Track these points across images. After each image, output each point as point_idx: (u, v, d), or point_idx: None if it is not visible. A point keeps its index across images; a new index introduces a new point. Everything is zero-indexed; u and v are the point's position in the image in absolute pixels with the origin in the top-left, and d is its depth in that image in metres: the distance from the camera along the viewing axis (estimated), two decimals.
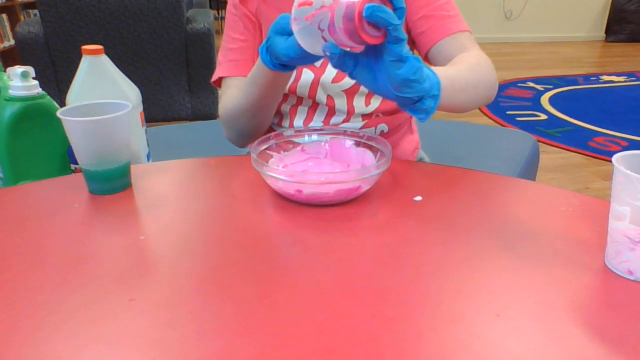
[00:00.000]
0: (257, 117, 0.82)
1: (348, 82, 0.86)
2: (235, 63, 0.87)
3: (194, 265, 0.51)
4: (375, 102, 0.87)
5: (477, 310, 0.44)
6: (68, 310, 0.44)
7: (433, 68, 0.61)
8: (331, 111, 0.88)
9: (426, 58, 0.86)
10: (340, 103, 0.87)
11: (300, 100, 0.88)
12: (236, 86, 0.84)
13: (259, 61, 0.70)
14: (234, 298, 0.45)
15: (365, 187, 0.63)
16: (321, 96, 0.86)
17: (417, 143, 1.02)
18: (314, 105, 0.88)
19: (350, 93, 0.87)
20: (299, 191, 0.61)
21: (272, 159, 0.70)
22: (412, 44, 0.87)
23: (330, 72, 0.86)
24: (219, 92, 0.90)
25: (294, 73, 0.85)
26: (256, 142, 0.69)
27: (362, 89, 0.87)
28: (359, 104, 0.87)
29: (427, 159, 1.05)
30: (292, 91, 0.86)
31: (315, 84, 0.86)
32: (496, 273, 0.50)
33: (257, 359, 0.38)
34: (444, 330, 0.42)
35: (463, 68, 0.74)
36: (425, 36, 0.84)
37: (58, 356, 0.39)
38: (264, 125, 0.86)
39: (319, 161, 0.70)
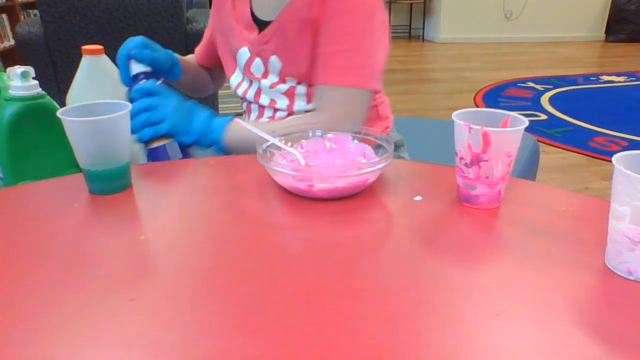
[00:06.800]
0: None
1: (283, 87, 0.92)
2: (200, 46, 1.21)
3: (194, 265, 0.51)
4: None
5: (477, 310, 0.44)
6: (68, 310, 0.44)
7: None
8: (275, 110, 0.95)
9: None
10: (282, 104, 0.93)
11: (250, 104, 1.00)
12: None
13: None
14: (234, 298, 0.45)
15: (371, 179, 0.65)
16: (264, 101, 0.96)
17: (386, 127, 1.03)
18: (262, 107, 0.97)
19: (289, 94, 0.93)
20: (311, 186, 0.62)
21: (274, 157, 0.70)
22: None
23: (269, 80, 0.94)
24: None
25: (250, 83, 0.99)
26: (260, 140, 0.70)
27: (299, 90, 0.91)
28: (300, 103, 0.92)
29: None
30: (243, 97, 1.00)
31: (259, 90, 0.96)
32: (496, 273, 0.50)
33: (257, 359, 0.38)
34: (444, 330, 0.42)
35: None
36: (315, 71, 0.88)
37: (58, 357, 0.39)
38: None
39: (321, 156, 0.70)
